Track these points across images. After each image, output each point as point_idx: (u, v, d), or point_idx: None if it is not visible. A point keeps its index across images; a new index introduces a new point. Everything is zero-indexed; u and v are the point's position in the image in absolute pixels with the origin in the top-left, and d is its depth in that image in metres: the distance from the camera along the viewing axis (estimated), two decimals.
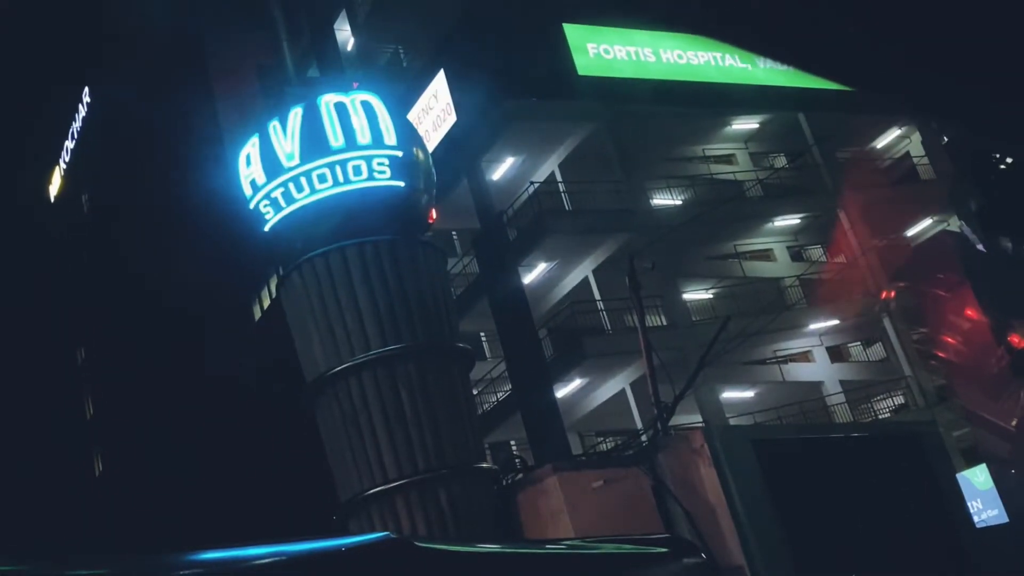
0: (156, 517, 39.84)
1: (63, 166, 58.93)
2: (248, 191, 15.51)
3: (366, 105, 15.31)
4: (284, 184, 15.31)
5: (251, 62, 39.76)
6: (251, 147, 15.56)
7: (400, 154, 15.12)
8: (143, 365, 45.29)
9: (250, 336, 37.92)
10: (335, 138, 15.11)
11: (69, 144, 57.70)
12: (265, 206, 15.58)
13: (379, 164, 15.09)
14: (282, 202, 15.44)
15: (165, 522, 37.74)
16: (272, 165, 15.44)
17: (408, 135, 15.57)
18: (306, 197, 15.34)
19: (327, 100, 15.36)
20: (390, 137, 15.19)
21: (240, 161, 15.77)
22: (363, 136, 15.13)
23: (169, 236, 42.91)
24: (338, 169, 15.05)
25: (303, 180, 15.20)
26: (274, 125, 15.51)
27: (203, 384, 39.48)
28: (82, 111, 55.67)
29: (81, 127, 56.21)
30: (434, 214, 16.11)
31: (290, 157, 15.27)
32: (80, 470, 53.18)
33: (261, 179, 15.44)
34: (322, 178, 15.19)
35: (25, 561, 3.01)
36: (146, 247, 45.54)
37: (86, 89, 54.99)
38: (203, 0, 41.59)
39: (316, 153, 15.10)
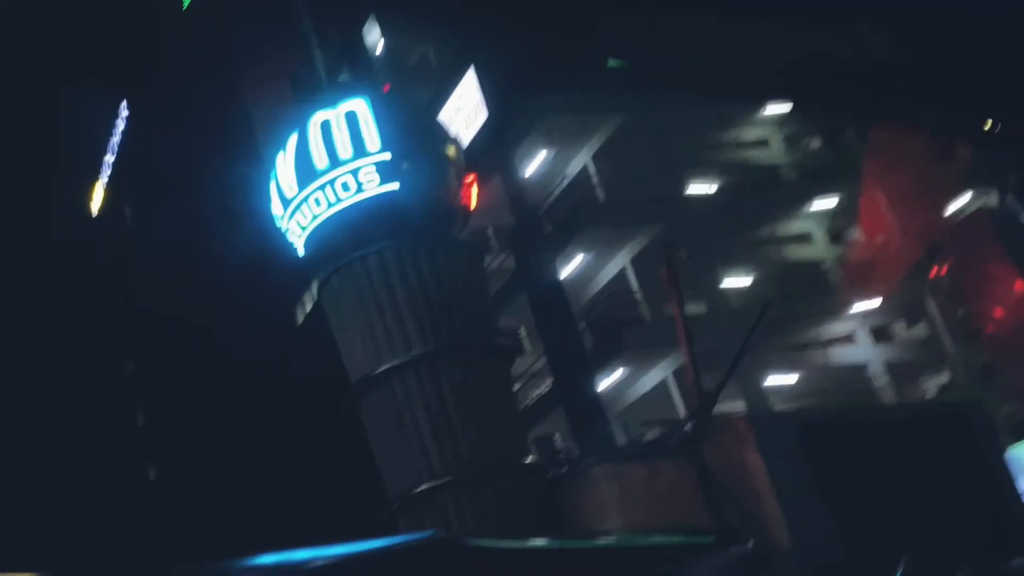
0: (210, 522, 40.36)
1: (104, 180, 59.73)
2: (278, 223, 15.95)
3: (350, 116, 15.35)
4: (292, 214, 15.70)
5: (284, 70, 40.08)
6: (272, 179, 15.95)
7: (387, 156, 15.16)
8: (191, 372, 45.87)
9: (295, 340, 38.28)
10: (320, 159, 15.28)
11: (109, 158, 58.46)
12: (289, 235, 15.95)
13: (366, 174, 15.17)
14: (297, 230, 15.80)
15: (219, 527, 38.22)
16: (282, 197, 15.86)
17: (398, 134, 15.49)
18: (311, 223, 15.63)
19: (315, 120, 15.50)
20: (373, 143, 15.22)
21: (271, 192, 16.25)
22: (344, 151, 15.20)
23: (211, 244, 43.40)
24: (328, 190, 15.22)
25: (304, 208, 15.54)
26: (281, 155, 15.79)
27: (250, 389, 39.92)
28: (120, 125, 56.38)
29: (120, 141, 56.93)
30: (472, 196, 16.09)
31: (290, 187, 15.62)
32: (134, 478, 53.96)
33: (279, 211, 15.83)
34: (317, 202, 15.43)
35: (77, 570, 3.14)
36: (189, 256, 46.10)
37: (124, 103, 55.68)
38: (234, 10, 42.01)
39: (307, 178, 15.39)
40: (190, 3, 45.32)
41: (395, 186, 15.26)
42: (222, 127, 42.95)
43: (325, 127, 15.45)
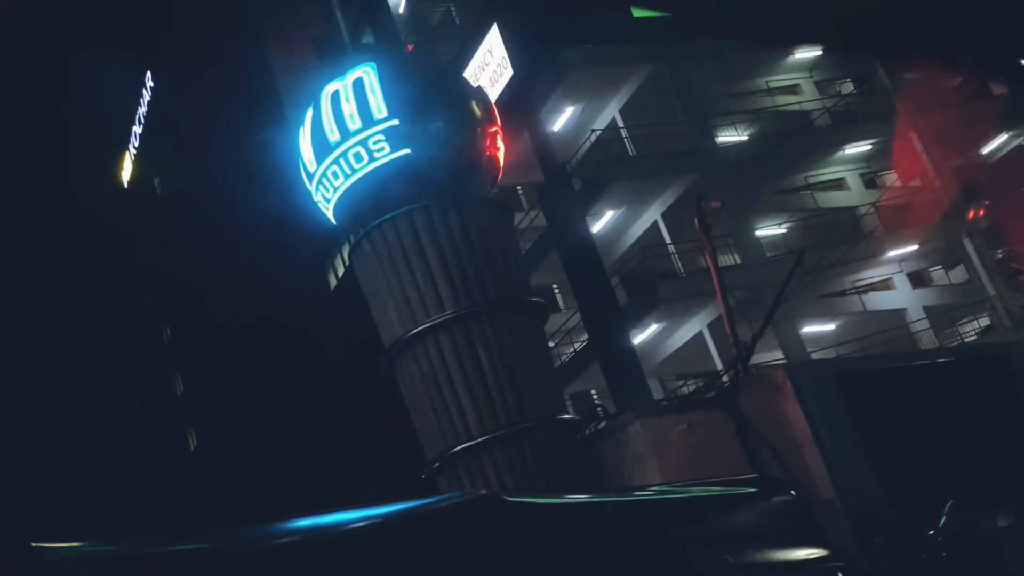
0: (250, 488, 40.87)
1: (133, 152, 60.03)
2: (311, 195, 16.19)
3: (357, 85, 15.30)
4: (317, 188, 15.81)
5: (306, 33, 39.95)
6: (298, 155, 16.13)
7: (396, 122, 15.08)
8: (226, 339, 46.26)
9: (328, 304, 38.46)
10: (332, 133, 15.32)
11: (137, 129, 58.71)
12: (320, 206, 16.09)
13: (375, 143, 15.13)
14: (324, 203, 15.89)
15: (261, 492, 38.70)
16: (306, 171, 16.01)
17: (405, 98, 15.36)
18: (334, 194, 15.74)
19: (326, 92, 15.49)
20: (380, 111, 15.13)
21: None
22: (353, 121, 15.18)
23: (242, 210, 43.56)
24: (343, 162, 15.29)
25: (325, 181, 15.64)
26: (301, 130, 15.88)
27: (286, 354, 40.21)
28: (146, 96, 56.53)
29: (147, 111, 57.12)
30: (499, 149, 15.91)
31: (311, 162, 15.74)
32: (175, 447, 54.72)
33: (308, 185, 16.00)
34: (335, 175, 15.52)
35: (130, 542, 3.14)
36: (219, 223, 46.31)
37: (148, 74, 55.79)
38: None
39: (323, 152, 15.50)
40: None
41: (407, 151, 15.17)
42: (248, 93, 42.93)
43: (335, 99, 15.44)
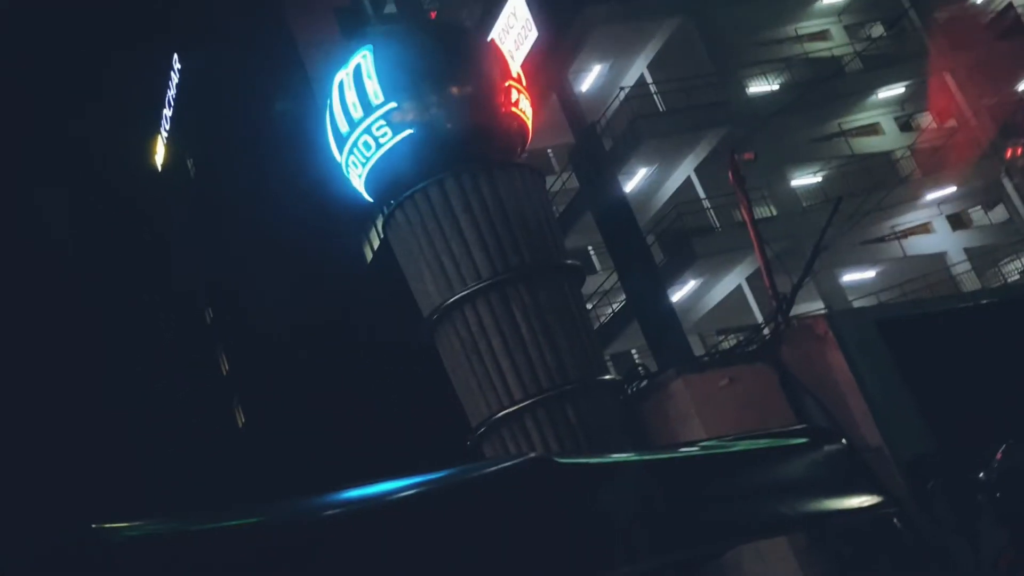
0: (300, 462, 41.36)
1: (164, 134, 60.41)
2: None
3: (356, 72, 15.38)
4: (346, 171, 16.06)
5: (329, 6, 39.89)
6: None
7: (393, 104, 15.10)
8: (267, 317, 46.66)
9: (365, 276, 38.65)
10: (342, 124, 15.55)
11: (168, 112, 59.04)
12: (355, 185, 16.33)
13: (378, 128, 15.21)
14: (357, 182, 16.15)
15: (309, 466, 39.16)
16: (335, 159, 16.30)
17: (400, 77, 15.32)
18: (360, 177, 16.00)
19: (336, 82, 15.62)
20: (378, 95, 15.19)
21: None
22: (356, 110, 15.34)
23: (275, 188, 43.78)
24: (356, 152, 15.49)
25: (350, 168, 15.89)
26: (327, 121, 16.16)
27: (326, 329, 40.51)
28: (174, 78, 56.78)
29: (176, 94, 57.38)
30: (518, 105, 15.76)
31: (336, 151, 16.05)
32: (223, 425, 55.44)
33: (342, 167, 16.30)
34: (354, 164, 15.76)
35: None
36: (255, 202, 46.59)
37: (175, 56, 56.00)
38: None
39: (340, 143, 15.72)
40: None
41: (410, 131, 15.16)
42: (274, 69, 42.99)
43: (341, 89, 15.59)
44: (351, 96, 15.31)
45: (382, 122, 15.11)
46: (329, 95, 15.72)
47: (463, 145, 15.17)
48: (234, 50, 47.00)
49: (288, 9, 41.98)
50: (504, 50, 17.16)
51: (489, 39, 17.20)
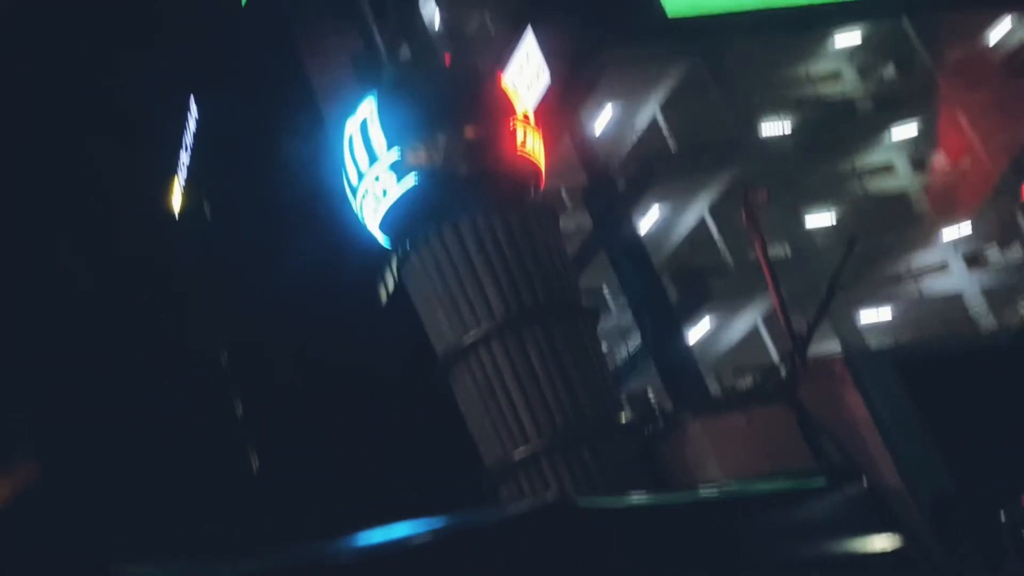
0: (316, 505, 41.17)
1: (182, 180, 60.87)
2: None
3: (363, 122, 15.68)
4: (361, 218, 16.29)
5: (344, 52, 40.29)
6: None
7: (396, 155, 15.28)
8: (282, 360, 46.69)
9: (380, 319, 38.67)
10: (353, 175, 15.88)
11: (184, 156, 59.53)
12: (372, 231, 16.62)
13: (386, 178, 15.48)
14: (373, 228, 16.29)
15: (325, 509, 38.97)
16: (351, 205, 16.60)
17: (402, 126, 15.52)
18: (374, 223, 16.22)
19: (346, 132, 15.94)
20: (381, 145, 15.43)
21: None
22: (363, 161, 15.61)
23: (291, 230, 43.99)
24: (369, 198, 15.73)
25: (364, 215, 16.14)
26: (343, 171, 16.51)
27: (341, 371, 40.48)
28: (191, 121, 57.31)
29: (193, 137, 57.89)
30: (526, 145, 15.82)
31: (351, 198, 16.36)
32: (238, 468, 55.27)
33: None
34: (368, 211, 16.02)
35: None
36: (270, 244, 46.79)
37: (192, 100, 56.56)
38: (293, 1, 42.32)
39: (353, 192, 16.04)
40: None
41: (413, 180, 15.36)
42: (290, 113, 43.37)
43: (350, 140, 15.94)
44: (359, 146, 15.58)
45: (388, 171, 15.30)
46: (341, 144, 15.99)
47: (471, 187, 15.28)
48: (251, 95, 47.46)
49: (305, 54, 42.41)
50: (514, 88, 17.22)
51: (496, 75, 17.15)
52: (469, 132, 15.47)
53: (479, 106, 15.85)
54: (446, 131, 15.43)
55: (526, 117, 15.92)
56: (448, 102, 15.88)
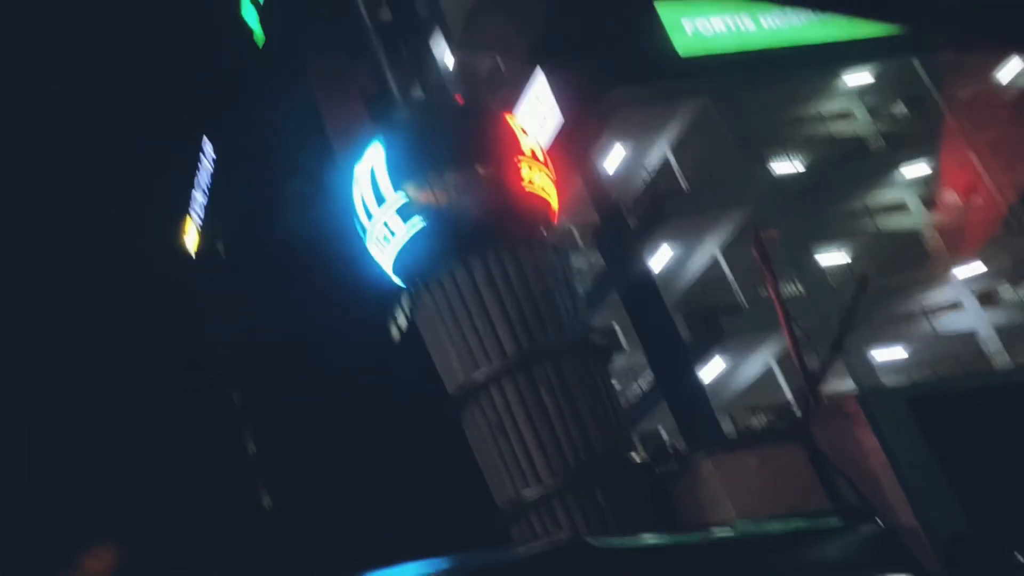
0: (329, 544, 41.00)
1: (197, 220, 61.21)
2: None
3: (370, 168, 15.95)
4: (371, 258, 16.48)
5: (357, 92, 40.62)
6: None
7: (403, 199, 15.42)
8: (294, 398, 46.67)
9: (391, 356, 38.68)
10: (363, 217, 16.04)
11: (199, 196, 59.90)
12: (383, 269, 16.75)
13: (392, 221, 15.67)
14: (386, 268, 16.43)
15: (337, 548, 38.81)
16: (363, 244, 16.85)
17: (408, 170, 15.67)
18: (387, 264, 16.36)
19: (355, 176, 16.13)
20: (388, 189, 15.59)
21: None
22: (372, 204, 15.79)
23: (304, 269, 44.14)
24: (378, 240, 15.94)
25: (376, 256, 16.27)
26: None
27: (353, 408, 40.44)
28: (206, 162, 57.72)
29: (207, 178, 58.27)
30: (530, 180, 15.86)
31: (361, 238, 16.48)
32: (250, 506, 55.10)
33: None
34: (379, 252, 16.16)
35: None
36: (283, 283, 46.94)
37: (205, 140, 57.00)
38: (304, 38, 42.73)
39: (364, 233, 16.19)
40: (263, 37, 46.25)
41: (420, 222, 15.47)
42: (303, 153, 43.68)
43: (359, 183, 16.13)
44: (367, 190, 15.75)
45: (395, 214, 15.44)
46: (351, 187, 16.19)
47: (478, 226, 15.35)
48: (265, 136, 47.81)
49: (318, 95, 42.77)
50: (523, 127, 17.26)
51: (501, 115, 17.17)
52: (473, 172, 15.56)
53: (483, 146, 15.93)
54: (450, 172, 15.54)
55: (533, 154, 15.96)
56: (452, 143, 15.99)
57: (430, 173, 15.39)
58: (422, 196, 15.33)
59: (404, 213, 15.50)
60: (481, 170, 15.55)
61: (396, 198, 15.59)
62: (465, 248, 15.43)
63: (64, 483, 53.57)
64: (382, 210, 15.70)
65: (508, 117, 16.55)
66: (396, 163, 15.68)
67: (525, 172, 15.70)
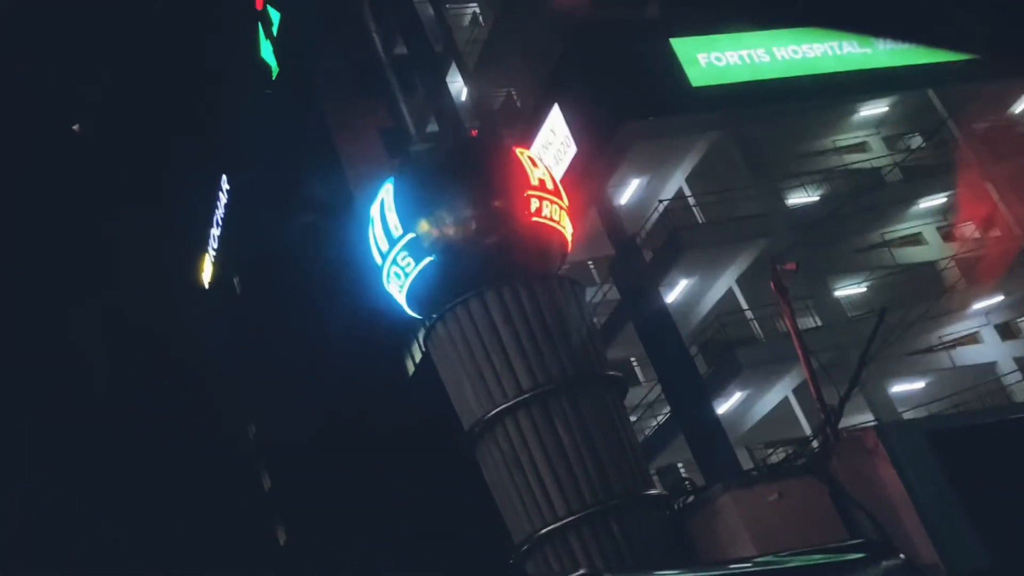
0: None
1: (212, 254, 61.53)
2: None
3: (381, 205, 16.08)
4: (388, 294, 16.58)
5: (373, 126, 40.87)
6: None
7: (412, 235, 15.53)
8: (310, 432, 46.59)
9: (407, 390, 38.61)
10: (377, 255, 16.19)
11: (215, 232, 60.24)
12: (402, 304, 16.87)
13: (403, 259, 15.75)
14: (402, 303, 16.54)
15: None
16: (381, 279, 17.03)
17: (415, 208, 15.77)
18: (402, 301, 16.43)
19: (370, 215, 16.27)
20: (397, 227, 15.77)
21: None
22: (384, 243, 15.95)
23: (320, 304, 44.21)
24: (392, 276, 16.04)
25: (392, 293, 16.35)
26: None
27: (368, 443, 40.33)
28: (223, 198, 58.10)
29: (224, 214, 58.63)
30: (541, 212, 15.81)
31: (379, 272, 16.64)
32: (265, 541, 54.91)
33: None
34: (395, 289, 16.25)
35: None
36: (299, 318, 47.02)
37: (223, 177, 57.40)
38: (319, 71, 43.07)
39: (379, 269, 16.33)
40: (278, 72, 46.64)
41: (431, 259, 15.53)
42: (320, 188, 43.88)
43: (373, 224, 16.37)
44: (379, 230, 15.90)
45: (404, 252, 15.53)
46: (367, 226, 16.35)
47: (488, 260, 15.34)
48: (281, 170, 48.11)
49: (334, 128, 43.03)
50: (537, 161, 17.23)
51: (507, 147, 17.15)
52: (481, 206, 15.59)
53: (491, 179, 15.95)
54: (456, 208, 15.58)
55: (543, 185, 15.92)
56: (459, 178, 16.04)
57: (437, 209, 15.46)
58: (430, 232, 15.40)
59: (413, 250, 15.56)
60: (488, 204, 15.57)
61: (406, 237, 15.69)
62: (477, 282, 15.41)
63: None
64: (394, 249, 15.82)
65: (517, 150, 16.52)
66: (404, 201, 15.82)
67: (534, 204, 15.68)
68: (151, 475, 59.27)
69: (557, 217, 15.91)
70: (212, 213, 59.67)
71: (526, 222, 15.58)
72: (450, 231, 15.38)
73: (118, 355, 63.92)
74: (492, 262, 15.41)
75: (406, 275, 15.87)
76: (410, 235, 15.61)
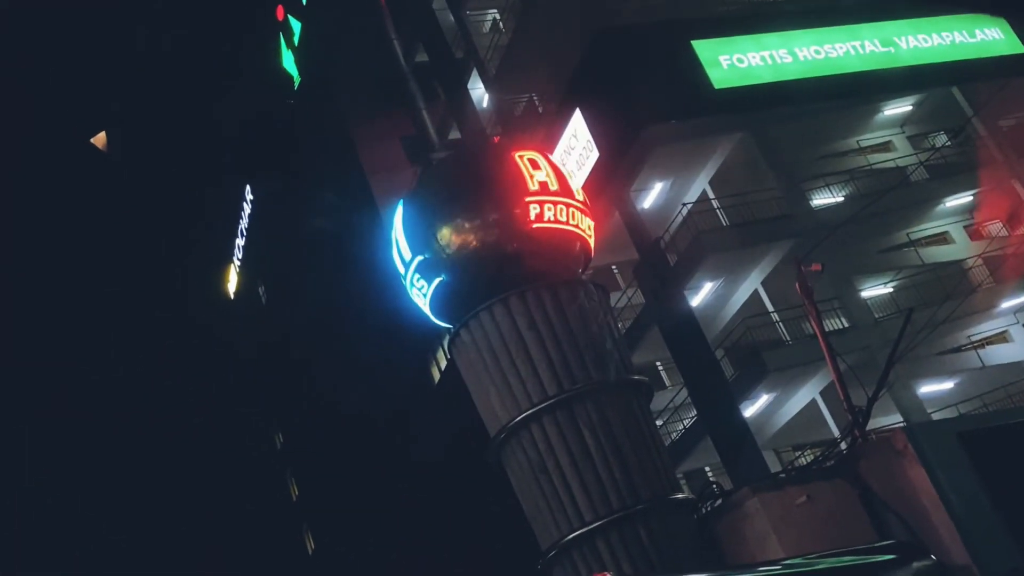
0: None
1: (237, 264, 61.86)
2: None
3: (396, 228, 16.33)
4: (414, 302, 16.87)
5: (395, 134, 40.99)
6: None
7: (421, 257, 15.62)
8: (336, 441, 46.73)
9: (433, 398, 38.64)
10: (401, 271, 16.42)
11: (240, 242, 60.57)
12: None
13: (417, 280, 15.94)
14: (421, 306, 16.75)
15: None
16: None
17: (420, 230, 15.84)
18: (427, 311, 16.61)
19: (392, 239, 16.50)
20: (407, 250, 15.90)
21: None
22: (400, 266, 16.13)
23: (345, 312, 44.35)
24: (416, 297, 16.25)
25: (418, 305, 16.53)
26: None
27: (396, 451, 40.39)
28: (247, 208, 58.41)
29: (248, 224, 58.95)
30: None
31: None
32: (294, 550, 55.07)
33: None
34: (417, 304, 16.46)
35: None
36: (323, 326, 47.18)
37: (248, 187, 57.72)
38: (344, 82, 43.26)
39: (401, 288, 16.52)
40: (300, 81, 46.89)
41: (442, 278, 15.61)
42: (342, 198, 44.05)
43: (393, 245, 16.73)
44: (395, 252, 16.17)
45: (417, 275, 15.71)
46: (390, 236, 16.58)
47: (497, 274, 15.39)
48: (305, 179, 48.33)
49: (356, 137, 43.17)
50: (566, 171, 17.14)
51: (507, 155, 16.71)
52: (476, 222, 15.62)
53: (485, 194, 15.87)
54: (456, 227, 15.70)
55: (543, 188, 15.68)
56: (454, 197, 16.08)
57: (439, 230, 15.61)
58: (437, 253, 15.55)
59: (424, 272, 15.73)
60: (486, 219, 15.54)
61: (415, 259, 15.92)
62: (497, 291, 15.45)
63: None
64: (408, 271, 16.06)
65: (516, 154, 16.16)
66: (409, 224, 16.09)
67: (533, 211, 15.54)
68: (179, 487, 59.61)
69: (565, 218, 15.69)
70: (236, 223, 59.99)
71: (527, 230, 15.49)
72: (453, 250, 15.46)
73: (145, 362, 64.40)
74: (503, 273, 15.47)
75: (424, 295, 16.12)
76: (419, 258, 15.79)
